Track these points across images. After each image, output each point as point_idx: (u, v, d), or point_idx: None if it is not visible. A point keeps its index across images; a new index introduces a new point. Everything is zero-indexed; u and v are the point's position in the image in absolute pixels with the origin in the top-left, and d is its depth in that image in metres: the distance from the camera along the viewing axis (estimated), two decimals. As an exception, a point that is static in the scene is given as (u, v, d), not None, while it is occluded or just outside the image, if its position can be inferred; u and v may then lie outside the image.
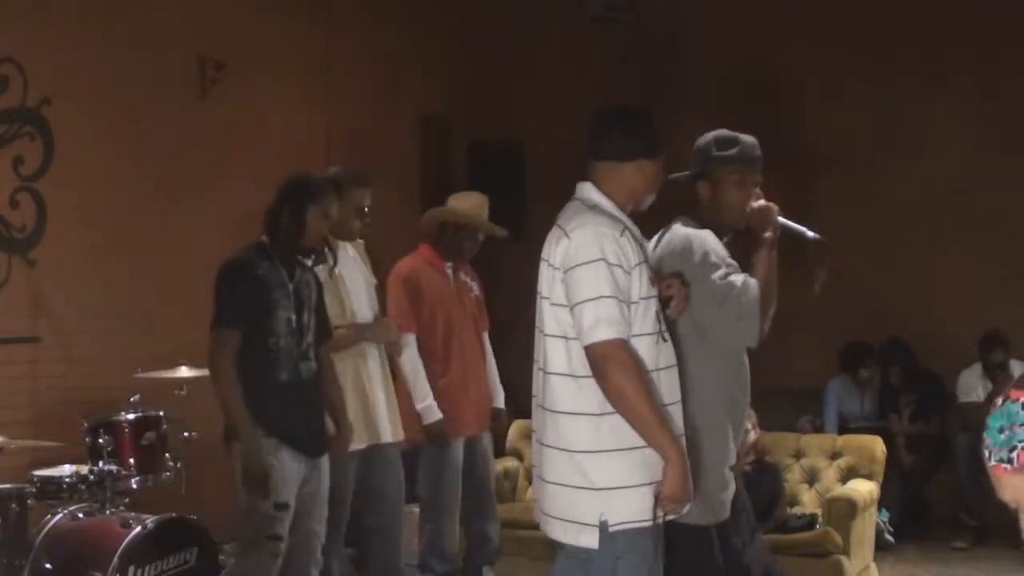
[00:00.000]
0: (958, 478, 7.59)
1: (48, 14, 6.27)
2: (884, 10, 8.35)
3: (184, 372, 5.52)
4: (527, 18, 9.26)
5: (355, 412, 5.05)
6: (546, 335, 3.48)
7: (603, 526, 3.35)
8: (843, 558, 5.88)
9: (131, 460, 5.20)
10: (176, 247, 6.85)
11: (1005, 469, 2.03)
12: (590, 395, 3.37)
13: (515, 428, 6.92)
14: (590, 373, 3.36)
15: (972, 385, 7.74)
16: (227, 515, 4.79)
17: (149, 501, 5.31)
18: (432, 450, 5.65)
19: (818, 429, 7.81)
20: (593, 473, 3.36)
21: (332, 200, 4.75)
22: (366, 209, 5.25)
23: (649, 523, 3.36)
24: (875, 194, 8.37)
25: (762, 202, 3.90)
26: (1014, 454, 2.01)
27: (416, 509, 5.94)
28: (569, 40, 9.07)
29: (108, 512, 4.98)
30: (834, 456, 6.47)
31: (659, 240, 3.92)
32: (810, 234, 3.87)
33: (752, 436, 4.27)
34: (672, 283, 3.62)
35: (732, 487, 3.90)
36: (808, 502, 6.36)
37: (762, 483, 6.03)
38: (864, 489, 6.17)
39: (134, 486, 5.22)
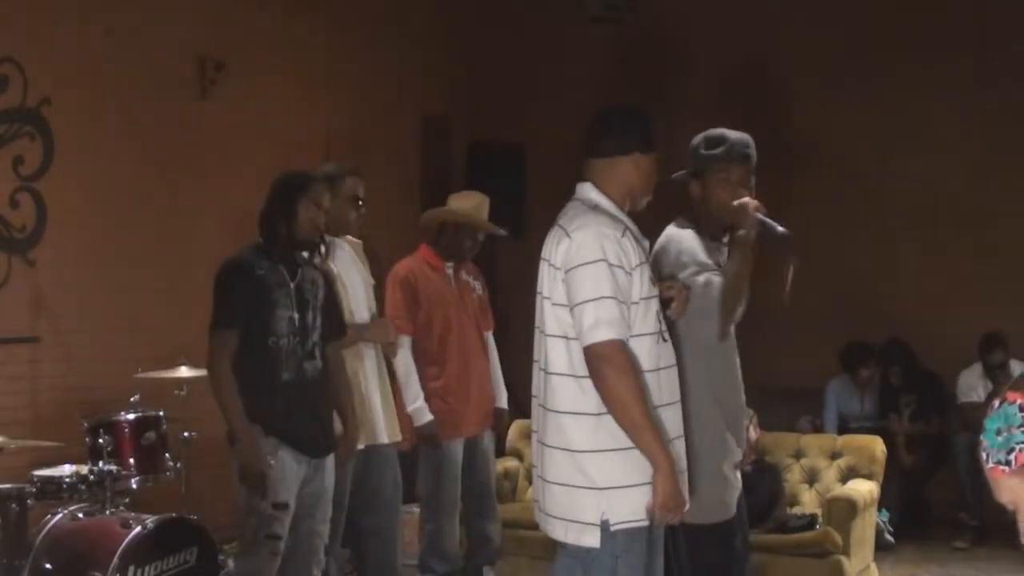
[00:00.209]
0: (958, 478, 7.58)
1: (48, 14, 6.28)
2: (884, 10, 8.34)
3: (184, 372, 5.51)
4: (527, 18, 9.26)
5: (352, 412, 5.04)
6: (547, 335, 3.49)
7: (604, 525, 3.35)
8: (843, 558, 5.88)
9: (131, 460, 5.20)
10: (176, 247, 6.86)
11: (1003, 471, 2.03)
12: (591, 395, 3.37)
13: (515, 428, 6.91)
14: (590, 373, 3.37)
15: (972, 385, 7.73)
16: (227, 515, 4.79)
17: (149, 501, 5.32)
18: (431, 450, 5.65)
19: (818, 429, 7.80)
20: (594, 472, 3.37)
21: (323, 191, 4.73)
22: (360, 200, 5.24)
23: (649, 522, 3.37)
24: (875, 194, 8.37)
25: (741, 200, 3.87)
26: (1012, 456, 2.01)
27: (416, 509, 5.95)
28: (569, 40, 9.07)
29: (108, 512, 4.97)
30: (834, 456, 6.46)
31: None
32: (780, 230, 3.83)
33: (752, 436, 4.28)
34: (673, 284, 3.66)
35: (736, 486, 3.90)
36: (808, 502, 6.35)
37: (762, 483, 6.04)
38: (864, 489, 6.17)
39: (134, 486, 5.21)
